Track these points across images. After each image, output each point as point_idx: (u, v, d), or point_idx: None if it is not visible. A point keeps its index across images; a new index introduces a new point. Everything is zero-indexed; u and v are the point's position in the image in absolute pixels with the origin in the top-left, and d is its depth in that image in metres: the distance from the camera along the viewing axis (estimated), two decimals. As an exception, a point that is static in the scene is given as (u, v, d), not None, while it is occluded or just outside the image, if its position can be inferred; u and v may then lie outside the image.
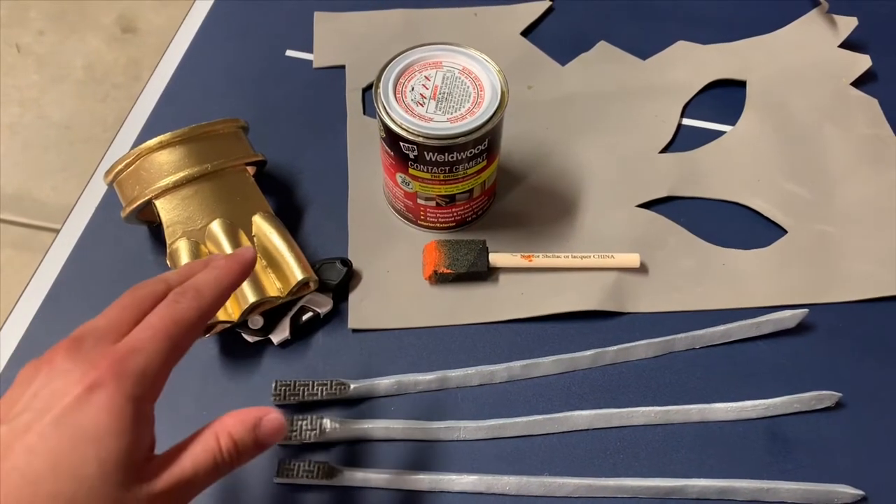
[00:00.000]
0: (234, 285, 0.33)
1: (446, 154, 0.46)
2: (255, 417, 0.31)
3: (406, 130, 0.45)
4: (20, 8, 1.67)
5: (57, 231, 0.54)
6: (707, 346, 0.49)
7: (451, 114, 0.46)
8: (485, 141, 0.46)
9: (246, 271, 0.34)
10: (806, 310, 0.49)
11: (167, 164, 0.48)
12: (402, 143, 0.46)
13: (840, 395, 0.46)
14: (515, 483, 0.44)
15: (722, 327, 0.49)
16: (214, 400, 0.47)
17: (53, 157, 1.46)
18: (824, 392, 0.46)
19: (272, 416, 0.31)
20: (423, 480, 0.43)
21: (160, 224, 0.48)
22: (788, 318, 0.49)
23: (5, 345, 0.48)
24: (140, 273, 0.51)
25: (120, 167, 0.48)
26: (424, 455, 0.45)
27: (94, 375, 0.28)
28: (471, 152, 0.46)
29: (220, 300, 0.32)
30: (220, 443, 0.30)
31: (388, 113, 0.46)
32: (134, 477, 0.28)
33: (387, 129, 0.46)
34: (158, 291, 0.32)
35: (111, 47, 1.62)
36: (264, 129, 0.58)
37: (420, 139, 0.45)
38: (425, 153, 0.46)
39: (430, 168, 0.47)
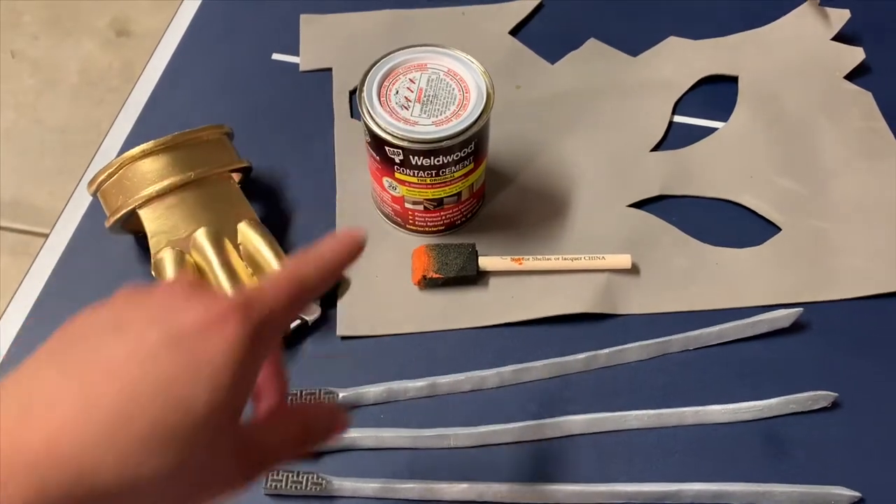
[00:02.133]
0: (343, 264, 0.30)
1: (432, 158, 0.45)
2: (338, 420, 0.30)
3: (390, 135, 0.44)
4: (14, 13, 1.67)
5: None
6: (701, 348, 0.48)
7: (437, 117, 0.45)
8: (471, 143, 0.46)
9: (353, 253, 0.31)
10: (800, 309, 0.48)
11: (151, 172, 0.47)
12: (387, 148, 0.45)
13: (836, 395, 0.46)
14: (507, 491, 0.43)
15: (716, 328, 0.48)
16: (202, 411, 0.46)
17: (50, 163, 1.46)
18: (820, 392, 0.46)
19: (344, 419, 0.30)
20: (414, 489, 0.43)
21: (146, 234, 0.48)
22: (783, 317, 0.48)
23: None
24: (128, 282, 0.51)
25: (103, 177, 0.48)
26: (415, 463, 0.44)
27: (220, 308, 0.25)
28: (457, 155, 0.46)
29: (333, 274, 0.30)
30: (305, 437, 0.29)
31: (372, 117, 0.45)
32: (231, 426, 0.26)
33: (371, 134, 0.46)
34: None
35: (105, 51, 1.62)
36: (250, 133, 0.57)
37: (405, 143, 0.44)
38: (411, 157, 0.45)
39: (416, 172, 0.46)
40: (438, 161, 0.46)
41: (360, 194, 0.54)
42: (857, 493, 0.43)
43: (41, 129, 1.51)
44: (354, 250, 0.31)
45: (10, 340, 0.49)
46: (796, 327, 0.49)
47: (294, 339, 0.48)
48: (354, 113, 0.59)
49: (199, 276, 0.47)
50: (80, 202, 0.55)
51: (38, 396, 0.23)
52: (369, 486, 0.43)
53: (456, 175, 0.47)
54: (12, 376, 0.24)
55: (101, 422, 0.23)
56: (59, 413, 0.23)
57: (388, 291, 0.50)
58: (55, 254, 0.52)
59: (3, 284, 1.28)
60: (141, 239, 0.52)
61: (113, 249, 0.52)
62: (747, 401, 0.46)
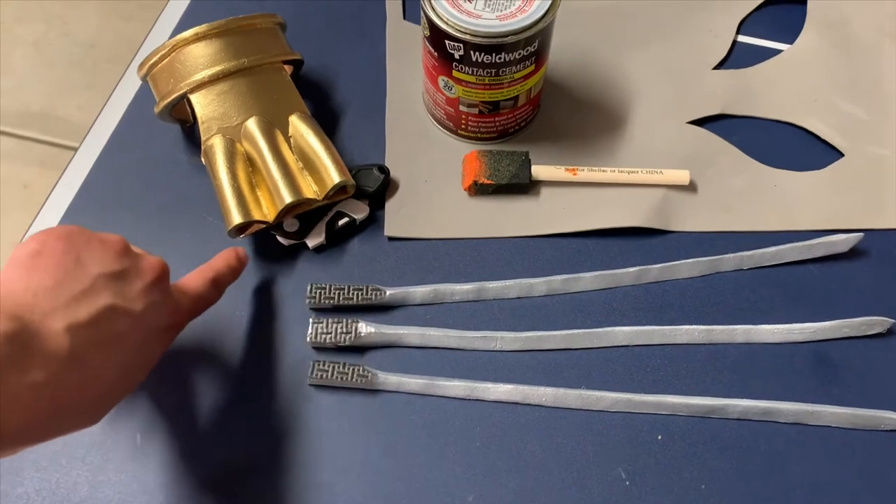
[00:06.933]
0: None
1: (494, 55, 0.44)
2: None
3: (452, 27, 0.43)
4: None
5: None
6: (755, 268, 0.47)
7: (501, 11, 0.43)
8: (535, 42, 0.44)
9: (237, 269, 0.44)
10: (861, 234, 0.47)
11: (203, 57, 0.46)
12: (447, 42, 0.44)
13: (892, 321, 0.45)
14: (552, 394, 0.43)
15: (772, 248, 0.47)
16: (248, 300, 0.46)
17: (79, 76, 1.44)
18: (875, 318, 0.45)
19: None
20: (458, 387, 0.43)
21: (193, 123, 0.47)
22: (842, 241, 0.47)
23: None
24: (173, 172, 0.50)
25: (154, 59, 0.47)
26: (460, 363, 0.44)
27: (177, 318, 0.39)
28: (520, 54, 0.44)
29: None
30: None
31: (433, 8, 0.43)
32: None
33: (432, 26, 0.44)
34: None
35: (137, -35, 1.58)
36: (301, 30, 0.56)
37: (467, 37, 0.43)
38: (471, 53, 0.44)
39: (475, 70, 0.45)
40: (500, 59, 0.44)
41: (411, 97, 0.53)
42: (907, 418, 0.42)
43: (70, 42, 1.49)
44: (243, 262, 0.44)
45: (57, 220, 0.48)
46: (854, 253, 0.47)
47: (342, 237, 0.48)
48: (407, 14, 0.57)
49: (249, 166, 0.46)
50: (123, 98, 0.54)
51: None
52: (413, 382, 0.43)
53: (516, 77, 0.46)
54: None
55: None
56: None
57: (437, 196, 0.49)
58: (97, 147, 0.52)
59: (34, 194, 1.28)
60: (188, 130, 0.51)
61: (157, 143, 0.51)
62: (800, 322, 0.45)
